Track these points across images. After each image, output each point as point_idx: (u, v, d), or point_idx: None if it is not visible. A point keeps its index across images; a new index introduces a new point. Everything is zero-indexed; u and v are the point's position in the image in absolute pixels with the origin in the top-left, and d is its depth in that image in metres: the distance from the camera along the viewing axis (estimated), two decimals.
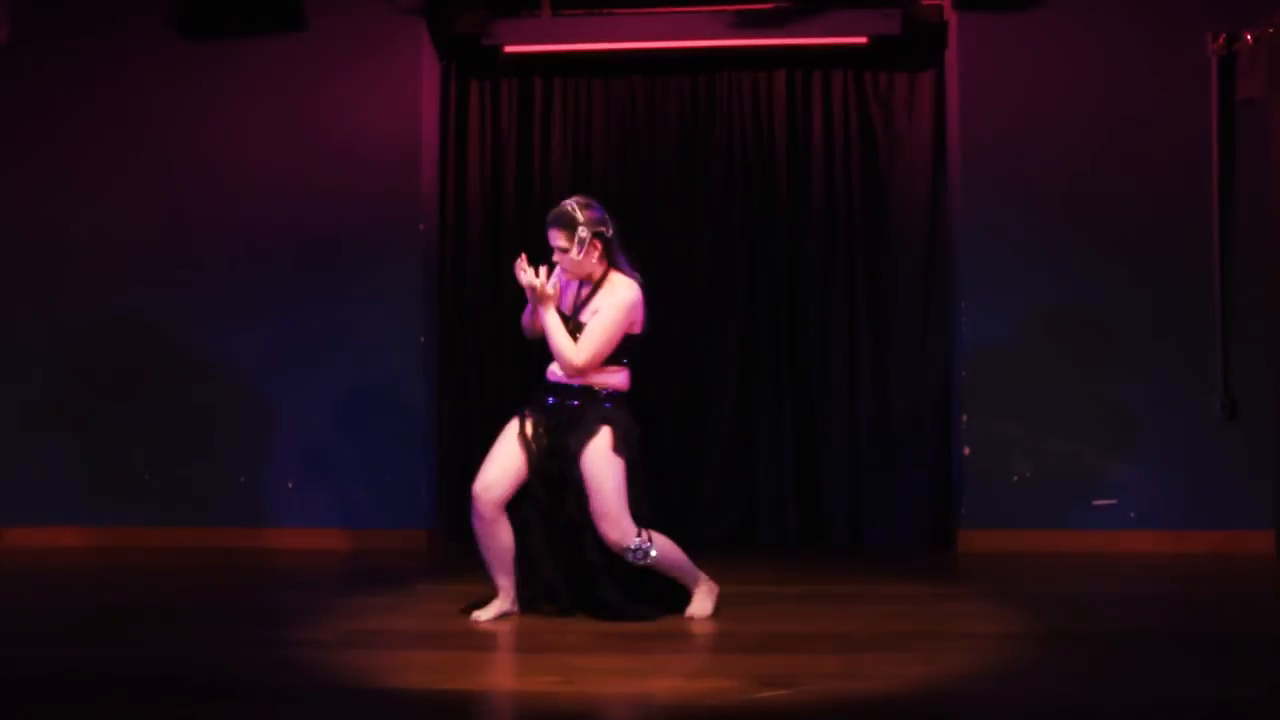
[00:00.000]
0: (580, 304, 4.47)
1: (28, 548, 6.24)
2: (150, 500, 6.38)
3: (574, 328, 4.42)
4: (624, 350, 4.46)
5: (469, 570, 5.68)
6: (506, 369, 6.58)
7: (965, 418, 6.13)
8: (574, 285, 4.52)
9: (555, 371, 4.45)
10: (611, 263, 4.48)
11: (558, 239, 4.42)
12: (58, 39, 6.48)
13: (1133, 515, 6.01)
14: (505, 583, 4.48)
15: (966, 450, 6.12)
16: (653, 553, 4.32)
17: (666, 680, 3.74)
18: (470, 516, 4.50)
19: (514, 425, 4.47)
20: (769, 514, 6.51)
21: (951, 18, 6.26)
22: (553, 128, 6.69)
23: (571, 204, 4.45)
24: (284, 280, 6.37)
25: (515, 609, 4.49)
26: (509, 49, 6.47)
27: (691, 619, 4.41)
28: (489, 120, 6.73)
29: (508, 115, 6.72)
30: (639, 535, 4.30)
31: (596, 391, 4.40)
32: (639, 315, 4.46)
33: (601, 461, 4.31)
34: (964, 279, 6.17)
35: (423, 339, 6.39)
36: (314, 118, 6.39)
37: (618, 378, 4.46)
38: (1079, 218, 6.10)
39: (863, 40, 6.34)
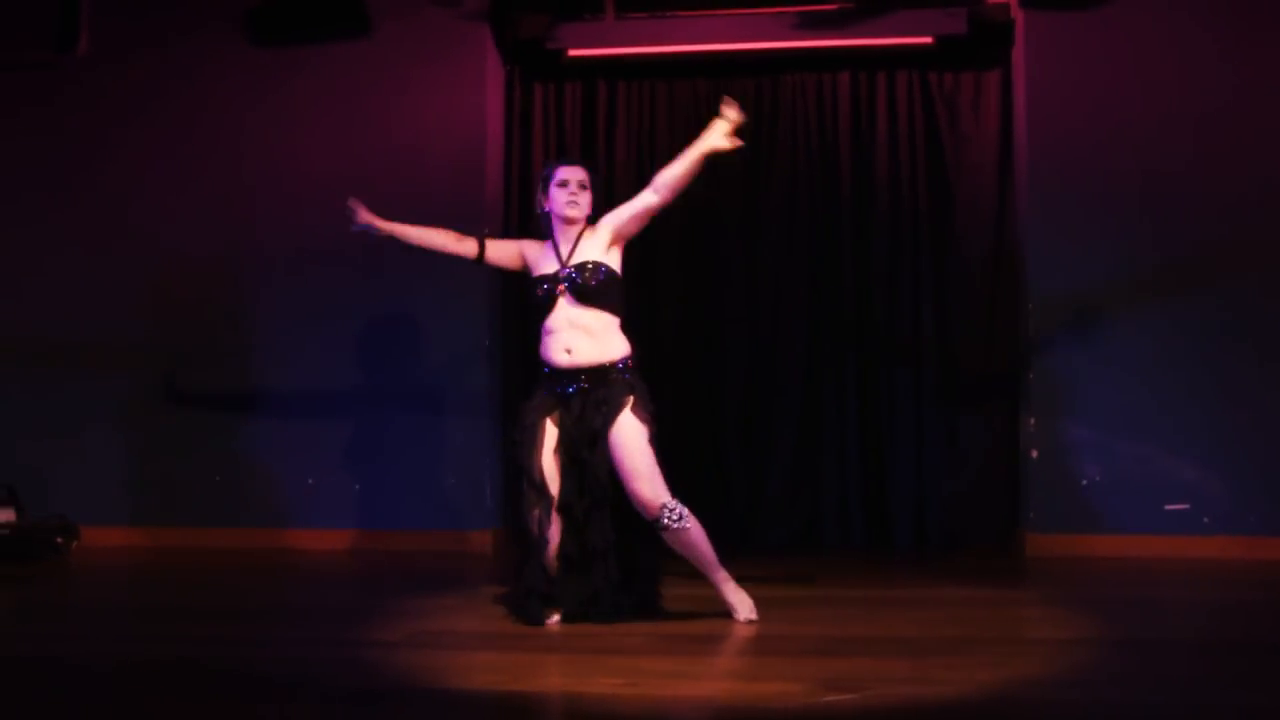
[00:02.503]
0: (570, 255, 4.52)
1: (103, 547, 6.36)
2: (220, 502, 6.48)
3: (570, 279, 4.44)
4: (624, 305, 4.53)
5: None
6: None
7: (1033, 421, 6.06)
8: (548, 251, 4.58)
9: (563, 359, 4.45)
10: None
11: (583, 175, 4.60)
12: (133, 49, 6.61)
13: (1206, 520, 5.91)
14: None
15: (1034, 454, 6.04)
16: (687, 515, 4.32)
17: (730, 683, 3.73)
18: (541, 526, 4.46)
19: (547, 436, 4.45)
20: (834, 517, 6.47)
21: (1018, 16, 6.19)
22: (616, 130, 6.71)
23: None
24: (350, 284, 6.44)
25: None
26: (572, 52, 6.50)
27: (750, 622, 4.36)
28: (553, 123, 6.77)
29: (571, 118, 6.75)
30: (673, 499, 4.33)
31: (613, 366, 4.42)
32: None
33: (630, 425, 4.35)
34: (1031, 280, 6.10)
35: (487, 342, 6.43)
36: (380, 122, 6.46)
37: (624, 342, 4.49)
38: (1151, 218, 6.00)
39: (928, 40, 6.30)
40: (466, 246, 4.72)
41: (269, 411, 6.48)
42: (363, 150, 6.47)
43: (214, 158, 6.58)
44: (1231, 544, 5.85)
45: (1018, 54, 6.24)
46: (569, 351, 4.44)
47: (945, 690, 3.57)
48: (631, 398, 4.38)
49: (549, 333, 4.49)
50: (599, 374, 4.42)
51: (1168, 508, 5.94)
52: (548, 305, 4.49)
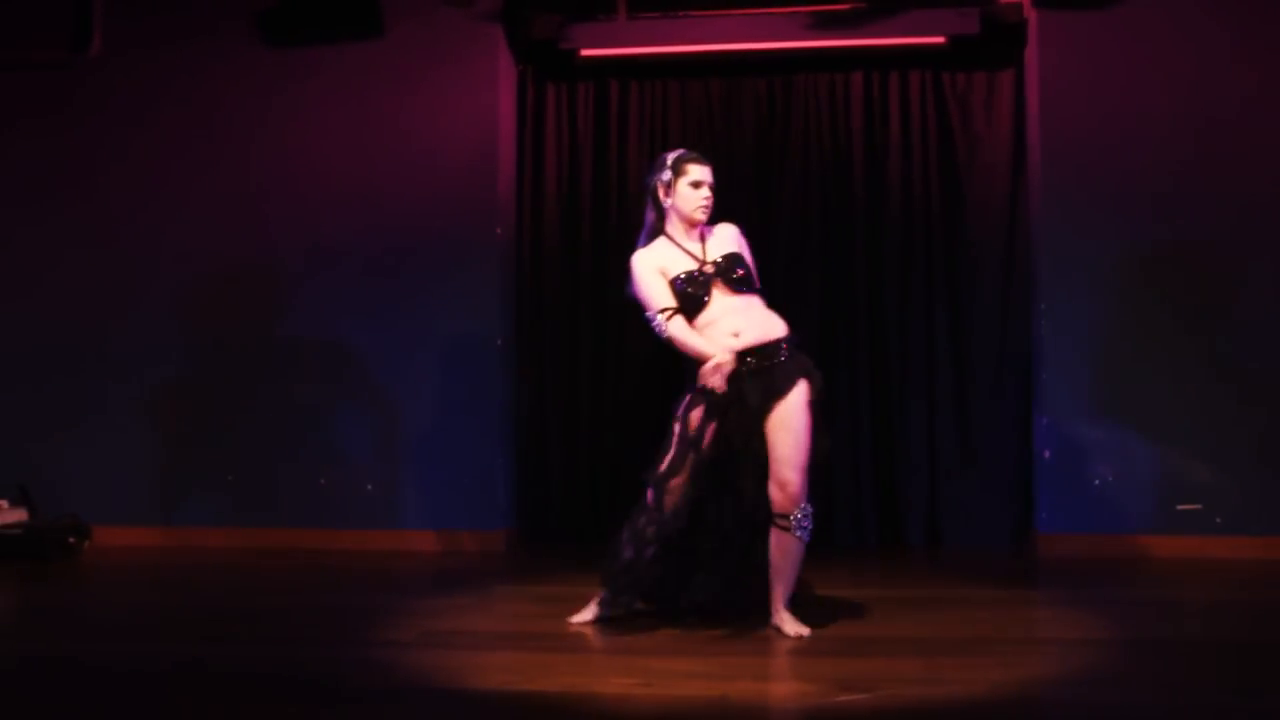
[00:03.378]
0: (704, 250, 4.42)
1: (115, 546, 6.37)
2: (233, 502, 6.50)
3: (722, 270, 4.35)
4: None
5: (547, 571, 5.73)
6: (583, 370, 6.62)
7: (1045, 420, 6.06)
8: (677, 250, 4.40)
9: (732, 343, 4.27)
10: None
11: (712, 176, 4.46)
12: (145, 50, 6.62)
13: (1219, 520, 5.90)
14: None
15: (1046, 453, 6.04)
16: (810, 524, 4.29)
17: (744, 683, 3.74)
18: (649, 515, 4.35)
19: (686, 423, 4.30)
20: (846, 516, 6.47)
21: (1031, 15, 6.18)
22: (629, 131, 6.71)
23: None
24: (364, 284, 6.46)
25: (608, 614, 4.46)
26: (585, 53, 6.50)
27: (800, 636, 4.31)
28: (566, 124, 6.77)
29: (584, 119, 6.75)
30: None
31: (781, 343, 4.30)
32: None
33: (798, 408, 4.25)
34: (1044, 280, 6.09)
35: (500, 341, 6.44)
36: (393, 123, 6.47)
37: (781, 320, 4.41)
38: (1165, 219, 5.98)
39: (940, 40, 6.29)
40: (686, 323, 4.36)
41: (281, 411, 6.49)
42: (375, 151, 6.48)
43: (226, 158, 6.60)
44: (1244, 544, 5.83)
45: (1030, 54, 6.23)
46: (736, 335, 4.29)
47: (957, 690, 3.58)
48: (805, 382, 4.28)
49: (708, 326, 4.31)
50: (768, 352, 4.30)
51: (1180, 508, 5.93)
52: (700, 303, 4.33)
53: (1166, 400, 5.95)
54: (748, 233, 6.61)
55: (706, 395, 4.29)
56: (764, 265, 6.50)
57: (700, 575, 4.43)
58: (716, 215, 6.46)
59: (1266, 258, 5.93)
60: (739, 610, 4.38)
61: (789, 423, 4.25)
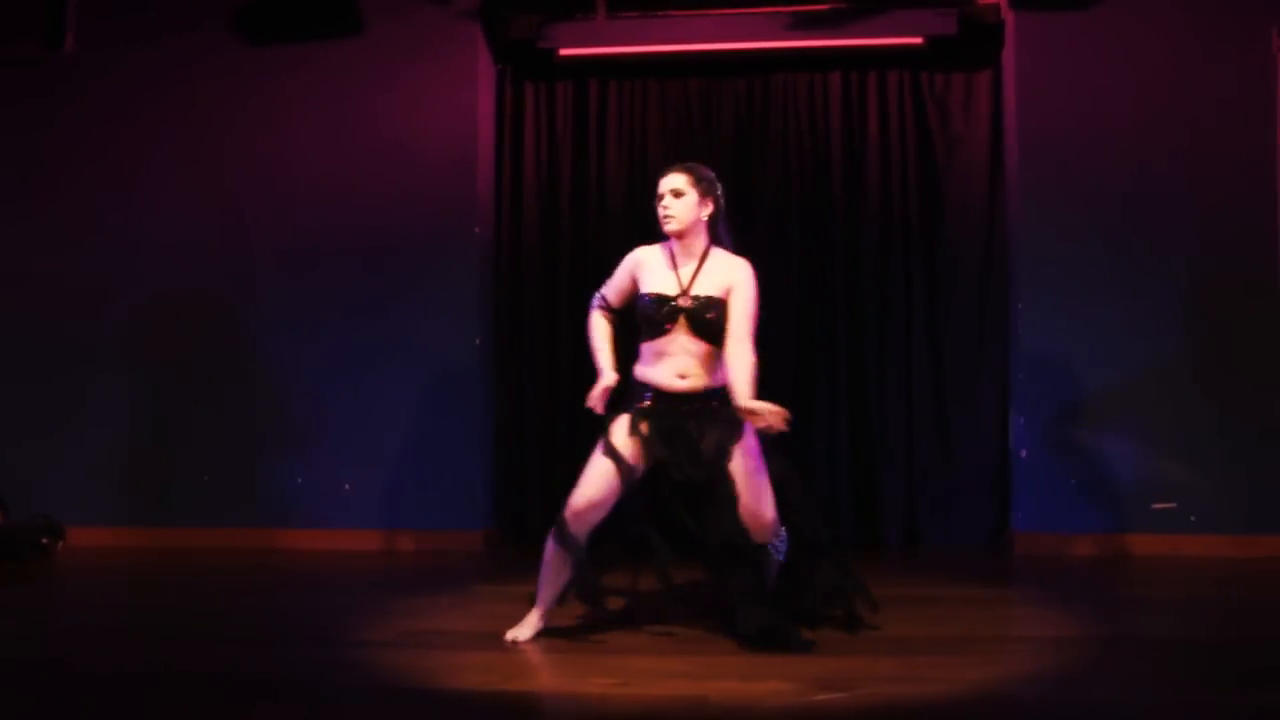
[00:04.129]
0: (692, 281, 4.23)
1: (89, 547, 6.33)
2: (209, 501, 6.46)
3: (693, 313, 4.19)
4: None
5: (526, 571, 5.70)
6: (562, 369, 6.61)
7: (1022, 420, 6.08)
8: (667, 265, 4.28)
9: (678, 384, 4.22)
10: (714, 238, 4.32)
11: (676, 181, 4.27)
12: (120, 47, 6.58)
13: (1193, 519, 5.93)
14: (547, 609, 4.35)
15: (1023, 453, 6.07)
16: (785, 546, 4.34)
17: (722, 682, 3.74)
18: (555, 535, 4.28)
19: (621, 443, 4.27)
20: (825, 516, 6.48)
21: (1008, 17, 6.21)
22: (608, 130, 6.71)
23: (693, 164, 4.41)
24: (341, 283, 6.43)
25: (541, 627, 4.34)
26: (564, 52, 6.50)
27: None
28: (544, 123, 6.76)
29: (563, 118, 6.75)
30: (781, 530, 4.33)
31: (721, 389, 4.17)
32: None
33: (755, 454, 4.24)
34: (1021, 280, 6.12)
35: (478, 340, 6.42)
36: (371, 122, 6.44)
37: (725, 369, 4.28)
38: (1141, 218, 6.02)
39: (919, 41, 6.31)
40: (605, 323, 4.43)
41: (257, 410, 6.46)
42: (353, 150, 6.45)
43: (203, 156, 6.56)
44: (1217, 542, 5.87)
45: (1008, 55, 6.26)
46: (683, 377, 4.22)
47: (935, 689, 3.59)
48: (741, 428, 4.21)
49: (660, 355, 4.24)
50: (706, 398, 4.22)
51: (1155, 506, 5.97)
52: (662, 329, 4.22)
53: (1142, 400, 5.99)
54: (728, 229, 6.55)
55: (644, 415, 4.25)
56: None
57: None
58: None
59: (1242, 257, 5.96)
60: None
61: (747, 466, 4.22)
